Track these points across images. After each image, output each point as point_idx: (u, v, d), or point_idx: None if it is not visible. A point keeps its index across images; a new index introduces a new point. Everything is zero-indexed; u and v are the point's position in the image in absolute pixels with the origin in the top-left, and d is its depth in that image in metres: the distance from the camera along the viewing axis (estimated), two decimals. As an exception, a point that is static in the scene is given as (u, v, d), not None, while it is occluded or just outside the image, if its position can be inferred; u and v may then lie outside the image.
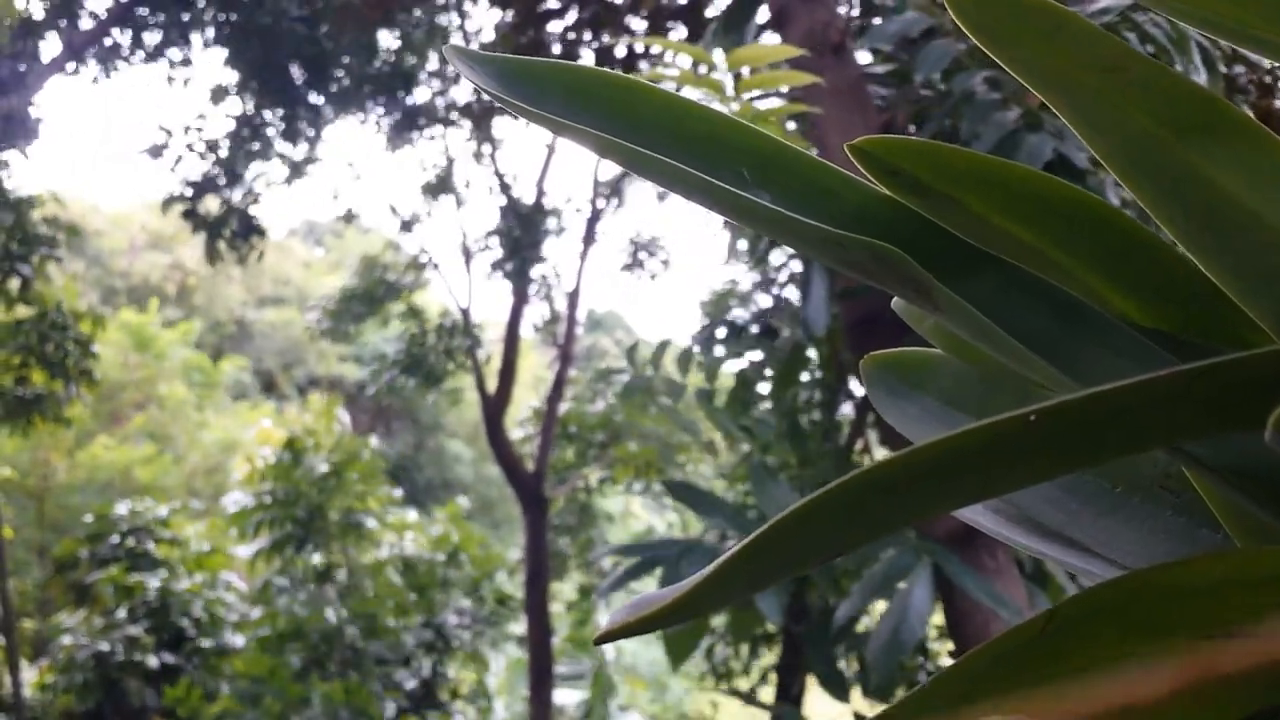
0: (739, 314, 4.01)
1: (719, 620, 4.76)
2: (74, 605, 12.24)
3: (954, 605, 3.35)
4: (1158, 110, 0.41)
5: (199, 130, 10.51)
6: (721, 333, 3.79)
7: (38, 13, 9.38)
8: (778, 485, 3.14)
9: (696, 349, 3.66)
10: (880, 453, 4.08)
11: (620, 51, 9.05)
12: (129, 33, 9.88)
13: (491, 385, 11.88)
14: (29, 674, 12.46)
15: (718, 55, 2.70)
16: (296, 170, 11.08)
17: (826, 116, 3.29)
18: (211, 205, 10.75)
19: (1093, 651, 0.32)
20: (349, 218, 12.93)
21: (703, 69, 2.80)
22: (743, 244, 3.97)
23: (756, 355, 3.88)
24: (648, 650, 16.24)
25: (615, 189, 12.01)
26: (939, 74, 3.41)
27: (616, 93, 0.46)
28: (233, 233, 10.61)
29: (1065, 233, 0.42)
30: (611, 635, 0.29)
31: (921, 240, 0.44)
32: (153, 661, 11.08)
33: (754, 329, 3.81)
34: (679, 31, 8.89)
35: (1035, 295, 0.44)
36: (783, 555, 0.28)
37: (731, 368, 4.14)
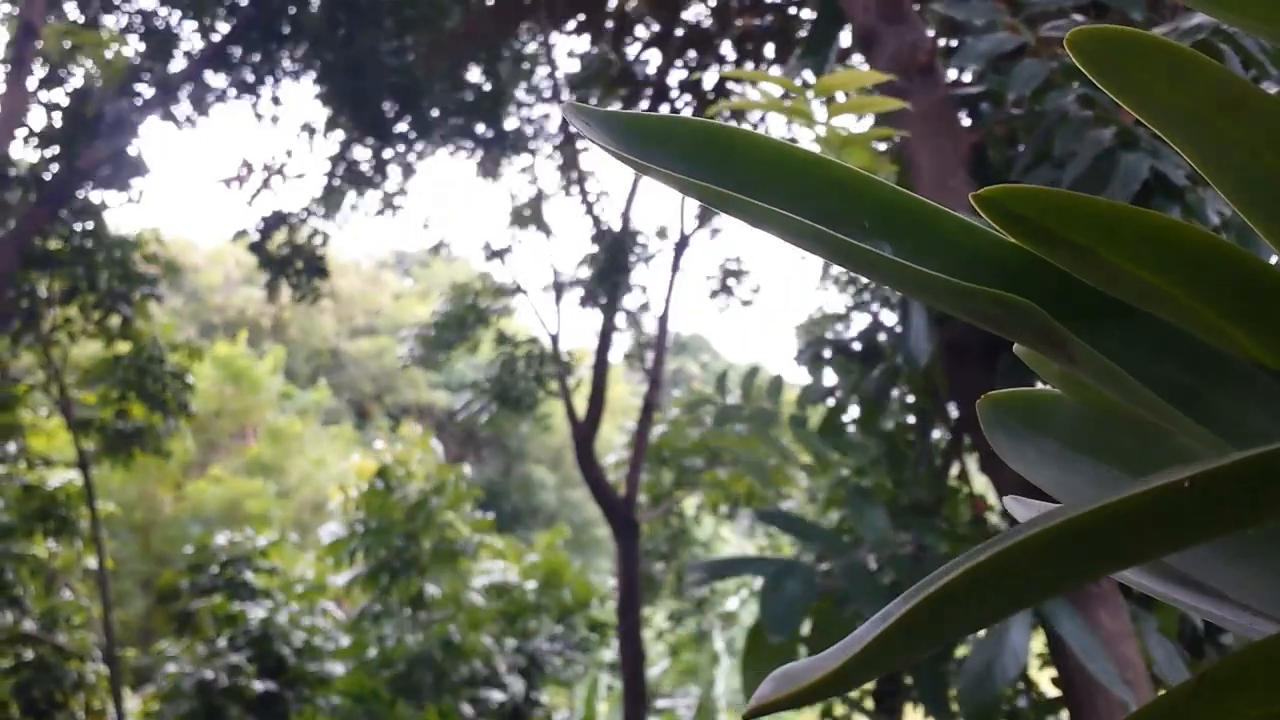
0: (840, 334, 3.98)
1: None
2: (175, 634, 12.50)
3: (1055, 633, 3.27)
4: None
5: (281, 166, 10.72)
6: (827, 353, 3.76)
7: (135, 55, 9.66)
8: (875, 510, 3.11)
9: (803, 368, 3.63)
10: (979, 479, 4.02)
11: (709, 78, 9.09)
12: (221, 72, 10.12)
13: (580, 411, 11.91)
14: (132, 703, 12.73)
15: (804, 82, 2.70)
16: (388, 202, 11.24)
17: (915, 139, 3.26)
18: (279, 242, 10.93)
19: (1246, 714, 0.32)
20: (439, 248, 13.08)
21: (789, 97, 2.79)
22: (836, 268, 3.94)
23: (850, 375, 3.86)
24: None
25: (704, 216, 12.02)
26: (1030, 93, 3.36)
27: (733, 146, 0.46)
28: (297, 271, 10.78)
29: (1198, 279, 0.41)
30: (761, 710, 0.29)
31: (1048, 289, 0.44)
32: (255, 688, 11.25)
33: (856, 346, 3.77)
34: (767, 51, 8.90)
35: (1167, 342, 0.43)
36: (939, 625, 0.27)
37: (826, 396, 4.12)
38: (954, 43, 4.15)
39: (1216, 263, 0.42)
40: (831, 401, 3.87)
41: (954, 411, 4.28)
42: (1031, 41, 3.30)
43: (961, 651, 3.96)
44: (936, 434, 4.41)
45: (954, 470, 4.32)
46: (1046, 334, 0.38)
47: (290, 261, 10.75)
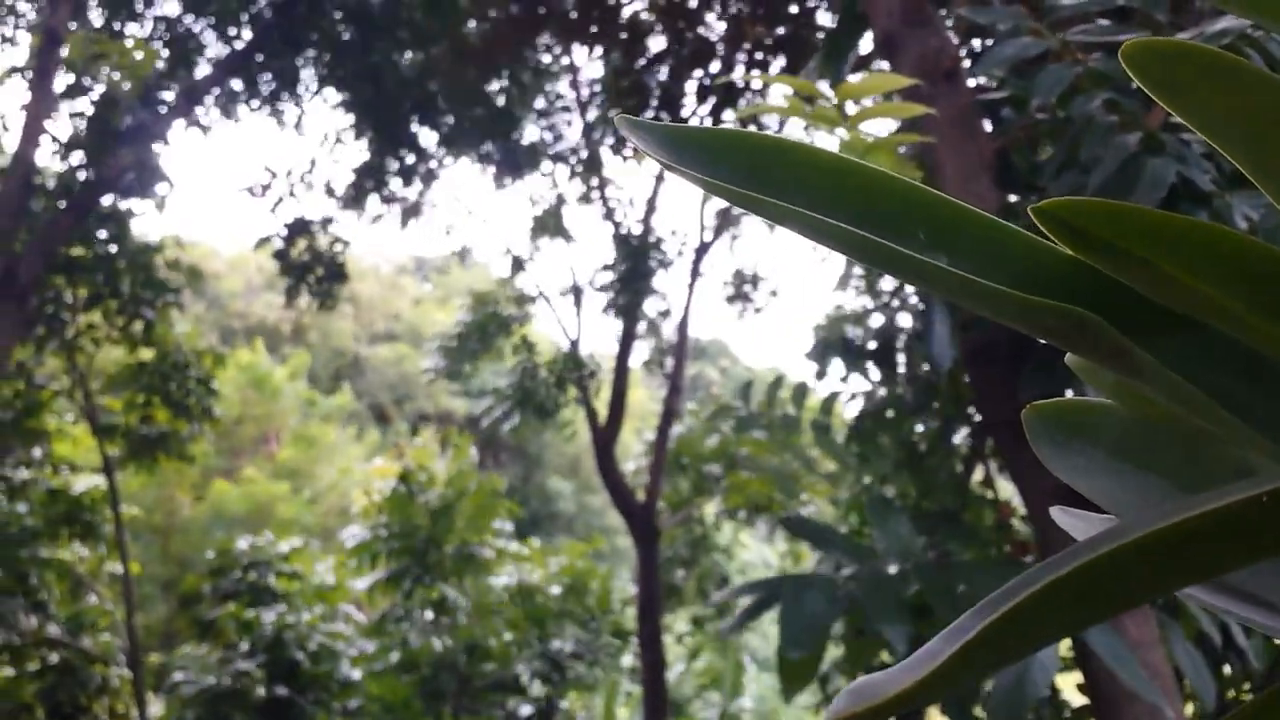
0: (855, 333, 3.98)
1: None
2: (198, 639, 12.54)
3: (1083, 640, 3.25)
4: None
5: (304, 174, 10.77)
6: (836, 354, 3.75)
7: (159, 63, 9.71)
8: (897, 519, 3.10)
9: (814, 366, 3.62)
10: (1005, 485, 4.00)
11: (715, 87, 9.09)
12: (244, 80, 10.18)
13: (600, 418, 11.91)
14: (155, 707, 12.79)
15: (826, 87, 2.70)
16: (411, 210, 11.29)
17: (939, 144, 3.26)
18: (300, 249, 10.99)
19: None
20: (461, 255, 13.12)
21: (811, 102, 2.79)
22: (857, 269, 3.94)
23: (870, 379, 3.85)
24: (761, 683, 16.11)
25: (723, 222, 12.03)
26: (1055, 98, 3.34)
27: (789, 159, 0.47)
28: (318, 278, 10.83)
29: (1255, 290, 0.41)
30: (839, 723, 0.29)
31: (1104, 300, 0.44)
32: (260, 694, 11.27)
33: (871, 345, 3.76)
34: (778, 62, 8.91)
35: (1223, 353, 0.44)
36: (1019, 639, 0.28)
37: (848, 399, 4.11)
38: (964, 45, 4.14)
39: (1275, 274, 0.42)
40: (858, 407, 3.86)
41: (972, 417, 4.27)
42: (1056, 46, 3.29)
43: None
44: (958, 439, 4.40)
45: (975, 476, 4.30)
46: (1108, 345, 0.38)
47: (310, 268, 10.79)
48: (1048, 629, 0.29)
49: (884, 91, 2.73)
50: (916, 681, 0.28)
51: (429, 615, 11.46)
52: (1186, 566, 0.29)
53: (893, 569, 3.12)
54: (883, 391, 3.90)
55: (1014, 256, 0.45)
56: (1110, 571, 0.27)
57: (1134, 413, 0.56)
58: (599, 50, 9.85)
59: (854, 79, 2.77)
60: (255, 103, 10.28)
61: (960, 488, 3.83)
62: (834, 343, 3.89)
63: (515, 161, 11.41)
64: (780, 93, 8.65)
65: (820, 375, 3.76)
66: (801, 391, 3.52)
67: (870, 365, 3.73)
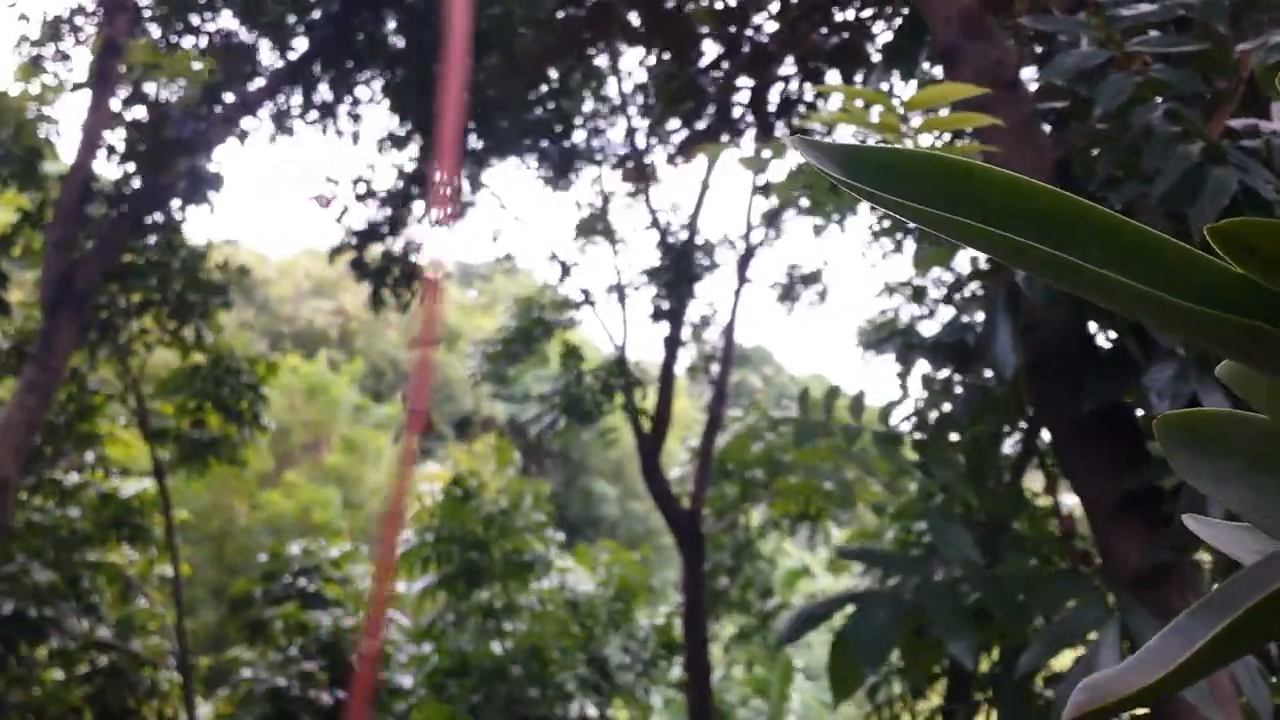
0: (922, 323, 3.95)
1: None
2: (248, 642, 12.64)
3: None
4: None
5: (366, 182, 10.84)
6: (901, 343, 3.75)
7: (215, 73, 9.83)
8: (957, 530, 3.10)
9: (870, 354, 3.62)
10: (1068, 496, 3.99)
11: (775, 92, 9.10)
12: (299, 90, 10.28)
13: (645, 424, 11.89)
14: (204, 708, 12.90)
15: (884, 93, 2.71)
16: (459, 215, 11.35)
17: (1000, 154, 3.25)
18: (376, 253, 11.08)
19: None
20: (506, 261, 13.17)
21: (874, 111, 2.80)
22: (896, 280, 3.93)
23: (938, 373, 3.84)
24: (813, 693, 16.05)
25: (770, 224, 12.02)
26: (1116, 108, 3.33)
27: (956, 176, 0.49)
28: (395, 280, 10.91)
29: None
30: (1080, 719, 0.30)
31: (1269, 314, 0.45)
32: (326, 697, 11.35)
33: (939, 339, 3.74)
34: (829, 70, 8.90)
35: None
36: (1245, 641, 0.29)
37: (903, 406, 4.11)
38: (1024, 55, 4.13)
39: None
40: (913, 416, 3.85)
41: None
42: (1118, 55, 3.29)
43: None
44: (1010, 446, 4.38)
45: (1034, 484, 4.29)
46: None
47: (387, 271, 10.88)
48: (1274, 630, 0.30)
49: (950, 101, 2.74)
50: (1156, 680, 0.30)
51: (478, 622, 11.50)
52: None
53: (951, 577, 3.12)
54: (943, 404, 3.89)
55: (1180, 273, 0.47)
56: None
57: (1275, 422, 0.57)
58: (652, 56, 9.88)
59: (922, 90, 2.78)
60: (312, 114, 10.38)
61: (1016, 496, 3.82)
62: (901, 332, 3.88)
63: (564, 165, 11.46)
64: (837, 101, 8.63)
65: (897, 361, 3.75)
66: (859, 401, 3.53)
67: (938, 359, 3.71)
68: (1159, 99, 3.25)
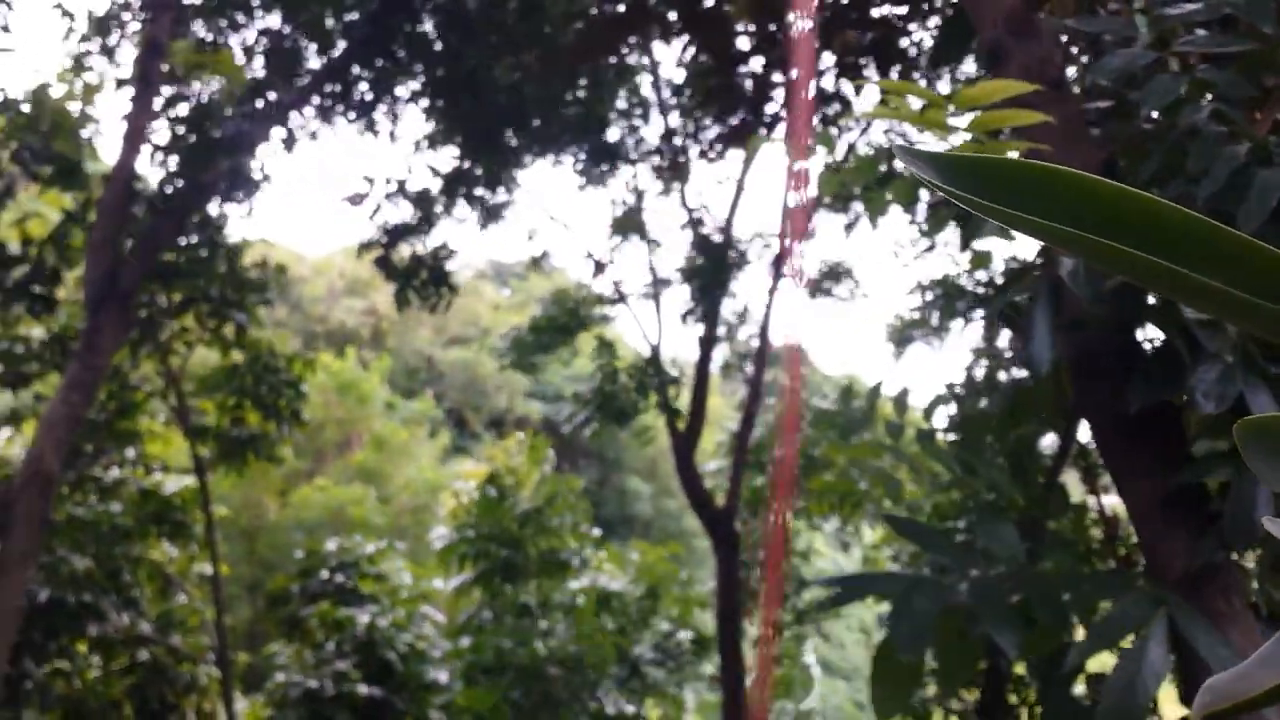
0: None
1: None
2: (285, 639, 12.72)
3: (1188, 652, 3.22)
4: None
5: (401, 181, 10.89)
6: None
7: (257, 72, 9.91)
8: (1005, 526, 3.10)
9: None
10: (1105, 496, 3.98)
11: (810, 89, 9.08)
12: (340, 89, 10.34)
13: (680, 422, 11.88)
14: (242, 704, 13.00)
15: (938, 91, 2.71)
16: (493, 214, 11.38)
17: (1046, 153, 3.25)
18: (405, 253, 11.13)
19: None
20: (540, 259, 13.18)
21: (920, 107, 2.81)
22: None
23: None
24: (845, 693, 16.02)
25: (806, 227, 11.98)
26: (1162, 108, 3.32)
27: (1055, 184, 0.50)
28: (423, 281, 10.96)
29: None
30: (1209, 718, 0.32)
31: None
32: (361, 692, 11.40)
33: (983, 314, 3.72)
34: (866, 66, 8.89)
35: None
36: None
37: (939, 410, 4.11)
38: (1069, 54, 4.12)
39: None
40: (951, 414, 3.86)
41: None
42: (1164, 55, 3.27)
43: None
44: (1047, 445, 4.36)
45: (1088, 486, 4.27)
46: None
47: (415, 272, 10.93)
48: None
49: (1000, 99, 2.75)
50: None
51: (514, 619, 11.55)
52: None
53: (997, 575, 3.12)
54: (980, 402, 3.89)
55: (1274, 277, 0.48)
56: None
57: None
58: (689, 52, 9.89)
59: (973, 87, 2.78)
60: (352, 113, 10.44)
61: (1060, 496, 3.82)
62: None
63: (599, 162, 11.47)
64: (873, 96, 8.63)
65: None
66: (903, 398, 3.54)
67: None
68: (1205, 99, 3.24)
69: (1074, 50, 4.18)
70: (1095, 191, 0.49)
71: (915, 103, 2.78)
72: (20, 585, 7.60)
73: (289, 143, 9.92)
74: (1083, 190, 0.50)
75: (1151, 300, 3.07)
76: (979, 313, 4.27)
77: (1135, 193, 0.49)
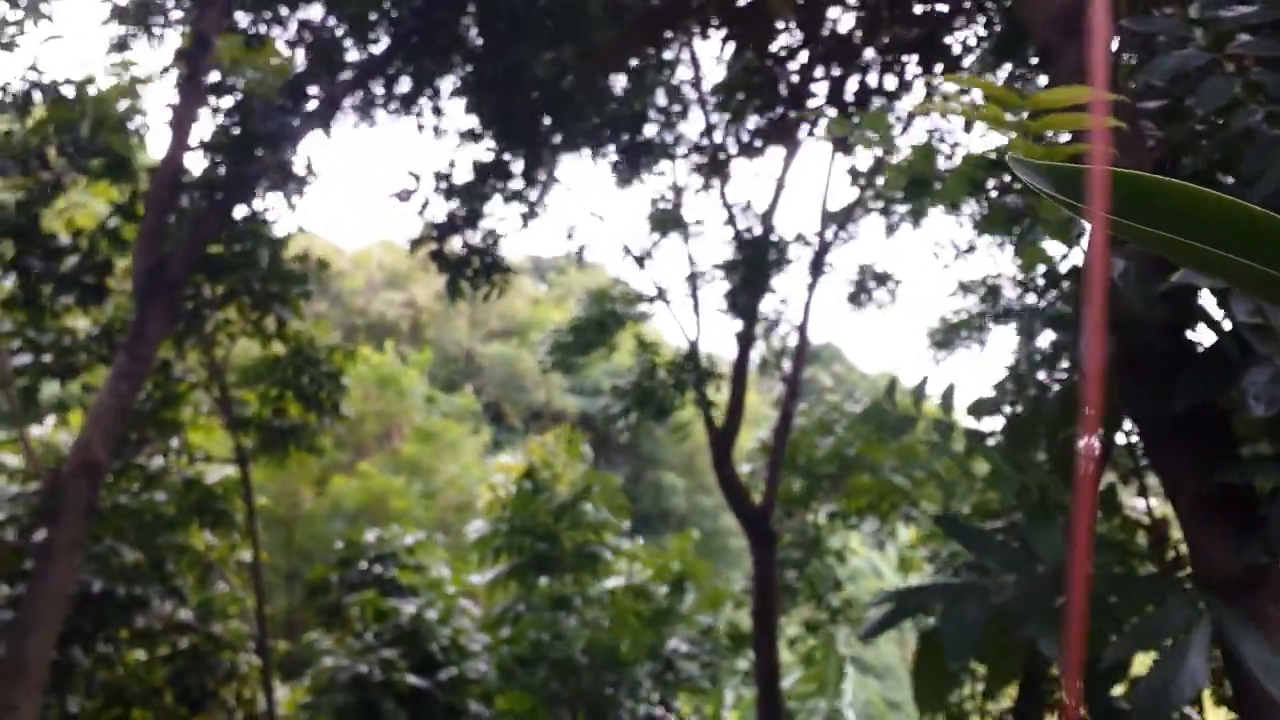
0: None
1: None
2: (324, 628, 12.83)
3: (1232, 657, 3.21)
4: None
5: (447, 175, 10.95)
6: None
7: (301, 66, 10.00)
8: (1053, 528, 3.10)
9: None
10: (1153, 500, 3.97)
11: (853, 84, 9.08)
12: (382, 84, 10.41)
13: (717, 419, 11.88)
14: (281, 692, 13.12)
15: (1006, 88, 2.71)
16: (533, 210, 11.43)
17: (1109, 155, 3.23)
18: (455, 245, 11.20)
19: None
20: (579, 254, 13.21)
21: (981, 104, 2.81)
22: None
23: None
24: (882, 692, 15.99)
25: (844, 221, 11.98)
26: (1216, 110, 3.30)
27: (1175, 198, 0.52)
28: (475, 271, 11.02)
29: None
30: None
31: None
32: (408, 681, 11.48)
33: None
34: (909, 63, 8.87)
35: None
36: None
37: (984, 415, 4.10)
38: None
39: None
40: (1002, 416, 3.85)
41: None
42: (1218, 56, 3.26)
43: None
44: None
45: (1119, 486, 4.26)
46: None
47: (467, 262, 11.00)
48: None
49: (1071, 103, 2.74)
50: None
51: (549, 612, 11.59)
52: None
53: (1043, 576, 3.12)
54: (1019, 405, 3.88)
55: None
56: None
57: None
58: (729, 47, 9.88)
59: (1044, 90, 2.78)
60: (393, 105, 10.51)
61: (1108, 498, 3.81)
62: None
63: (638, 158, 11.49)
64: (912, 95, 8.62)
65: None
66: (949, 396, 3.54)
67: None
68: (1261, 100, 3.22)
69: (1123, 54, 4.16)
70: (1224, 209, 0.51)
71: (967, 98, 2.77)
72: (69, 572, 7.70)
73: (327, 133, 10.00)
74: (1210, 207, 0.51)
75: (1202, 301, 3.06)
76: (1023, 313, 4.26)
77: (1265, 213, 0.51)
